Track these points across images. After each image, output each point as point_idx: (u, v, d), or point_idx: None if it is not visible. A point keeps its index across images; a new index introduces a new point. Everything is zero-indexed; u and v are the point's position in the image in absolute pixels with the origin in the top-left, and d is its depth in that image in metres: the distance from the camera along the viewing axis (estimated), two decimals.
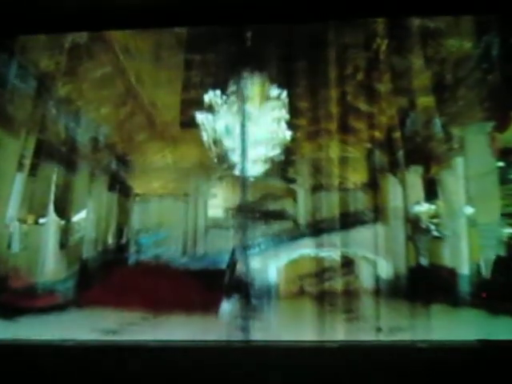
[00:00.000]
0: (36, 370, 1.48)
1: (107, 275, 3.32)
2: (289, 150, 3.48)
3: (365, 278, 3.29)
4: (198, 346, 1.61)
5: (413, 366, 1.43)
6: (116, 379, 1.48)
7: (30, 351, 1.57)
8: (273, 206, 3.53)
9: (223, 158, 3.44)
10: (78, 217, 3.53)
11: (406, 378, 1.42)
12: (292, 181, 3.59)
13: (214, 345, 1.66)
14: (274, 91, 3.46)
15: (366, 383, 1.43)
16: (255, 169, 3.39)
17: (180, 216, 3.52)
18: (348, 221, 3.34)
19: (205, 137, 3.46)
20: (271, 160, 3.44)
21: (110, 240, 3.50)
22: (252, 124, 3.34)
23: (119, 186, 3.61)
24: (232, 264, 3.24)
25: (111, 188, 3.59)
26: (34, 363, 1.50)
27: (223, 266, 3.24)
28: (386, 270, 3.23)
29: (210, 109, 3.42)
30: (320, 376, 1.42)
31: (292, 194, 3.60)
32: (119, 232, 3.53)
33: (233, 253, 3.27)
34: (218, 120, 3.42)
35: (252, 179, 3.37)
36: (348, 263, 3.29)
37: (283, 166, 3.52)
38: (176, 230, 3.48)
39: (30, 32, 2.11)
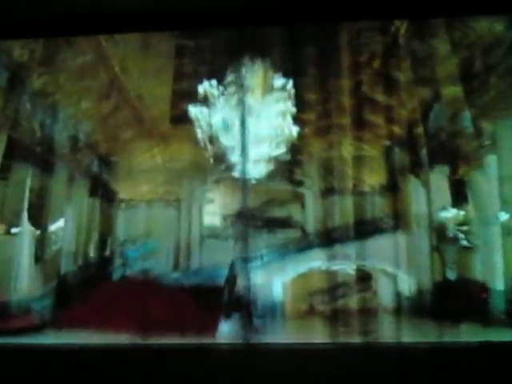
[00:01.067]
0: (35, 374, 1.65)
1: (89, 292, 3.26)
2: (295, 149, 3.48)
3: (384, 294, 3.27)
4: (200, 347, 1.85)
5: (418, 367, 1.59)
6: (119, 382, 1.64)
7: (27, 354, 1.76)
8: (277, 213, 3.54)
9: (220, 157, 3.45)
10: (56, 226, 3.51)
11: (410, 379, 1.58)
12: (299, 183, 3.58)
13: (216, 347, 1.87)
14: (279, 81, 3.48)
15: None
16: (257, 170, 3.40)
17: (171, 224, 3.53)
18: (364, 229, 3.33)
19: (199, 134, 3.48)
20: (275, 160, 3.44)
21: (92, 252, 3.50)
22: (253, 119, 3.35)
23: (102, 191, 3.62)
24: (231, 279, 3.21)
25: (93, 193, 3.59)
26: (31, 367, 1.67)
27: (221, 281, 3.21)
28: (408, 285, 3.21)
29: (205, 101, 3.44)
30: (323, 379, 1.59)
31: (299, 199, 3.59)
32: (102, 243, 3.53)
33: (232, 266, 3.24)
34: (215, 114, 3.45)
35: (253, 182, 3.37)
36: (364, 278, 3.29)
37: (289, 167, 3.53)
38: (167, 241, 3.48)
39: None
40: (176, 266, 3.42)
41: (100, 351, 1.75)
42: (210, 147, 3.43)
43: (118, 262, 3.41)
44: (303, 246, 3.36)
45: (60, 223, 3.52)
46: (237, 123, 3.36)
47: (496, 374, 1.53)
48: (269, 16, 1.90)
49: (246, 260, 3.18)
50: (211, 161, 3.48)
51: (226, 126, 3.39)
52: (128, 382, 1.64)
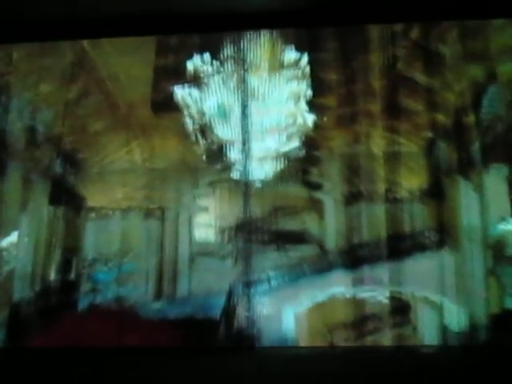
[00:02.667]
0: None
1: (49, 325, 3.26)
2: (311, 143, 3.35)
3: (426, 329, 3.13)
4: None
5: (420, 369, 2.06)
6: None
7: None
8: (288, 224, 3.36)
9: (216, 154, 3.34)
10: (7, 241, 3.46)
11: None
12: (316, 187, 3.39)
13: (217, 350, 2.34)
14: (290, 55, 3.36)
15: None
16: (262, 170, 3.30)
17: (153, 240, 3.38)
18: (400, 246, 3.20)
19: (189, 123, 3.38)
20: (286, 157, 3.32)
21: (53, 275, 3.39)
22: (258, 104, 3.29)
23: (66, 197, 3.51)
24: (229, 310, 3.15)
25: (55, 199, 3.49)
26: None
27: (216, 312, 3.14)
28: (456, 317, 3.10)
29: (196, 82, 3.36)
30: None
31: (316, 207, 3.38)
32: (66, 263, 3.42)
33: (230, 293, 3.17)
34: (208, 98, 3.36)
35: (258, 185, 3.29)
36: (401, 308, 3.14)
37: (303, 166, 3.37)
38: (147, 261, 3.35)
39: None
40: (159, 293, 3.29)
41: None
42: (202, 141, 3.35)
43: (85, 287, 3.34)
44: (322, 266, 3.22)
45: (13, 238, 3.46)
46: (236, 110, 3.29)
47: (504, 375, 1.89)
48: None
49: (248, 285, 3.17)
50: (204, 158, 3.38)
51: (223, 114, 3.29)
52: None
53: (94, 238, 3.42)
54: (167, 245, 3.34)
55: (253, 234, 3.18)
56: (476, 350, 2.43)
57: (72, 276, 3.37)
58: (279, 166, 3.30)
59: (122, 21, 2.97)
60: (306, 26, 3.39)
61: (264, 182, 3.26)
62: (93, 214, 3.44)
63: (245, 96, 3.30)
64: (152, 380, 2.17)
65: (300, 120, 3.32)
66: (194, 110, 3.37)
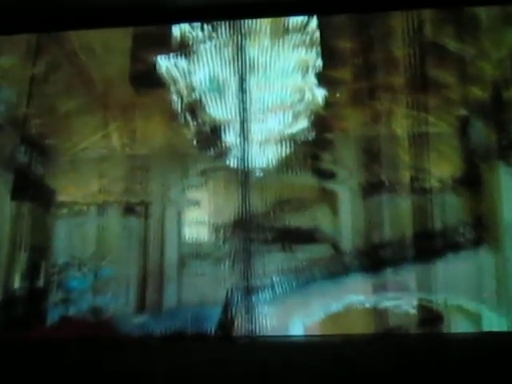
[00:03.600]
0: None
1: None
2: (322, 123, 3.24)
3: None
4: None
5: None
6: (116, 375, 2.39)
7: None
8: (296, 221, 3.25)
9: (208, 138, 3.26)
10: None
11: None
12: (329, 176, 3.28)
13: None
14: (297, 19, 3.23)
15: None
16: (264, 156, 3.20)
17: (135, 240, 3.28)
18: (429, 245, 3.08)
19: (175, 101, 3.29)
20: (292, 140, 3.22)
21: (18, 282, 3.31)
22: (258, 77, 3.19)
23: (32, 191, 3.42)
24: (226, 322, 3.07)
25: (18, 194, 3.39)
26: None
27: (211, 325, 3.05)
28: (497, 328, 2.97)
29: (184, 51, 3.25)
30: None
31: (329, 200, 3.27)
32: (33, 268, 3.34)
33: (227, 302, 3.09)
34: (198, 70, 3.26)
35: (259, 174, 3.21)
36: (431, 319, 3.02)
37: (313, 151, 3.25)
38: (128, 265, 3.26)
39: None
40: (142, 304, 3.19)
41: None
42: (192, 122, 3.23)
43: (56, 296, 3.25)
44: (336, 270, 3.12)
45: None
46: (233, 84, 3.18)
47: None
48: None
49: (248, 292, 3.08)
50: (194, 143, 3.26)
51: (217, 89, 3.19)
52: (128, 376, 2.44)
53: (65, 239, 3.35)
54: (152, 246, 3.25)
55: (253, 232, 3.12)
56: None
57: (40, 283, 3.31)
58: (284, 151, 3.19)
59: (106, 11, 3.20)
60: None
61: (266, 171, 3.19)
62: (64, 211, 3.37)
63: (242, 67, 3.19)
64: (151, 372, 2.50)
65: (308, 96, 3.20)
66: (181, 85, 3.27)
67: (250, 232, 3.08)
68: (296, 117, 3.22)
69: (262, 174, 3.15)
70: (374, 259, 3.08)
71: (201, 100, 3.25)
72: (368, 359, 2.43)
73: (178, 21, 3.21)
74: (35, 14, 3.14)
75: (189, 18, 3.20)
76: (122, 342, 2.98)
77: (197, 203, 3.32)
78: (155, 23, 3.29)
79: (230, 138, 3.18)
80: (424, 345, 2.64)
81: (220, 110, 3.23)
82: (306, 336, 3.00)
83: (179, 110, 3.27)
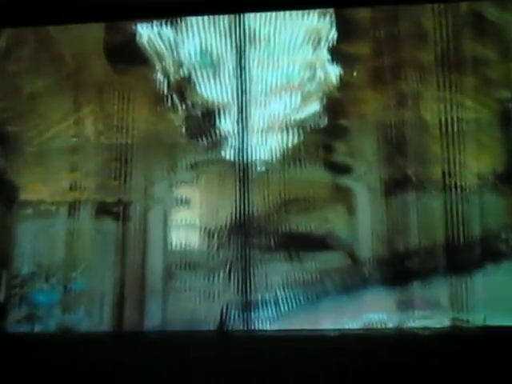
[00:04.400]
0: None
1: None
2: (337, 107, 3.10)
3: None
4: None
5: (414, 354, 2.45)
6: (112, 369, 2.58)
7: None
8: (304, 224, 3.11)
9: (200, 124, 3.13)
10: None
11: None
12: (344, 170, 3.14)
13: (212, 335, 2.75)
14: None
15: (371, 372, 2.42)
16: (267, 147, 3.07)
17: (111, 247, 3.16)
18: (465, 254, 2.94)
19: (160, 80, 3.17)
20: (300, 127, 3.08)
21: None
22: (259, 51, 3.06)
23: None
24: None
25: None
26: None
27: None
28: None
29: (169, 16, 3.10)
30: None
31: (344, 199, 3.12)
32: None
33: (222, 321, 2.98)
34: (187, 42, 3.13)
35: (261, 169, 3.08)
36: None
37: (326, 141, 3.11)
38: (104, 277, 3.13)
39: None
40: (119, 323, 3.06)
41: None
42: (180, 105, 3.09)
43: (18, 312, 3.13)
44: (353, 283, 2.97)
45: None
46: (229, 59, 3.05)
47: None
48: None
49: (247, 308, 2.96)
50: (183, 130, 3.13)
51: (210, 65, 3.06)
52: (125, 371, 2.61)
53: (30, 244, 3.22)
54: (132, 254, 3.10)
55: (254, 237, 2.99)
56: None
57: (0, 296, 3.16)
58: (290, 140, 3.04)
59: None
60: None
61: (269, 164, 3.06)
62: (29, 211, 3.22)
63: (241, 39, 3.07)
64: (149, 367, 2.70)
65: (320, 74, 3.05)
66: (167, 60, 3.13)
67: (250, 237, 2.95)
68: (305, 99, 3.07)
69: (264, 168, 3.02)
70: (399, 270, 2.94)
71: (191, 78, 3.12)
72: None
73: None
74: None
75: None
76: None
77: (186, 202, 3.17)
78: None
79: (226, 124, 3.03)
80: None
81: (214, 90, 3.10)
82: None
83: (165, 90, 3.15)
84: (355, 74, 3.08)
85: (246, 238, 2.93)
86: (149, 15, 3.14)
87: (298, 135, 3.07)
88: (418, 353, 2.53)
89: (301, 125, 3.06)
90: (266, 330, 2.86)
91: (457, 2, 3.03)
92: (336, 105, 3.10)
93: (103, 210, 3.18)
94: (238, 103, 3.01)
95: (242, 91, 3.00)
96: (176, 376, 2.65)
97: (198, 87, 3.13)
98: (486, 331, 2.68)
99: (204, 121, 3.10)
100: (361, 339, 2.63)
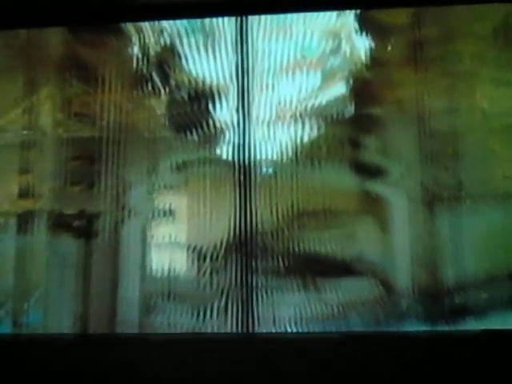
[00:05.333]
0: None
1: None
2: (366, 91, 2.90)
3: None
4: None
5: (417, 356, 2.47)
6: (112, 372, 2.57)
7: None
8: (324, 242, 2.86)
9: (188, 112, 2.94)
10: None
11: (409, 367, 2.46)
12: (375, 173, 2.90)
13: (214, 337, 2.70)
14: None
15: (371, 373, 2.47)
16: (276, 142, 2.89)
17: (72, 271, 2.91)
18: None
19: (137, 54, 3.00)
20: (319, 117, 2.87)
21: None
22: (266, 16, 2.90)
23: None
24: None
25: None
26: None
27: None
28: None
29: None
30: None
31: (375, 210, 2.90)
32: None
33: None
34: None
35: (267, 170, 2.92)
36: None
37: (351, 134, 2.90)
38: (62, 309, 2.90)
39: None
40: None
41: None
42: (162, 87, 2.89)
43: None
44: (386, 319, 2.76)
45: None
46: (226, 25, 2.92)
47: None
48: None
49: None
50: (166, 120, 2.91)
51: (201, 32, 2.90)
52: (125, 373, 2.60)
53: None
54: (99, 281, 2.87)
55: (257, 259, 2.75)
56: None
57: None
58: (306, 134, 2.82)
59: None
60: None
61: (277, 165, 2.83)
62: None
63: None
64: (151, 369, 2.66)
65: (345, 48, 2.84)
66: (145, 27, 2.93)
67: (253, 259, 2.72)
68: (325, 80, 2.86)
69: (270, 170, 2.81)
70: (445, 305, 2.70)
71: (175, 50, 2.90)
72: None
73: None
74: None
75: None
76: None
77: (171, 214, 2.93)
78: None
79: (222, 112, 2.84)
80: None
81: (206, 66, 2.89)
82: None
83: (143, 68, 2.94)
84: (389, 48, 2.87)
85: (248, 260, 2.72)
86: (149, 16, 2.99)
87: (316, 127, 2.83)
88: (419, 353, 2.51)
89: (319, 113, 2.83)
90: None
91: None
92: (365, 88, 2.87)
93: (62, 223, 2.93)
94: (237, 84, 2.82)
95: (242, 69, 2.81)
96: None
97: (184, 62, 2.91)
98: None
99: (193, 108, 2.88)
100: (363, 341, 2.58)
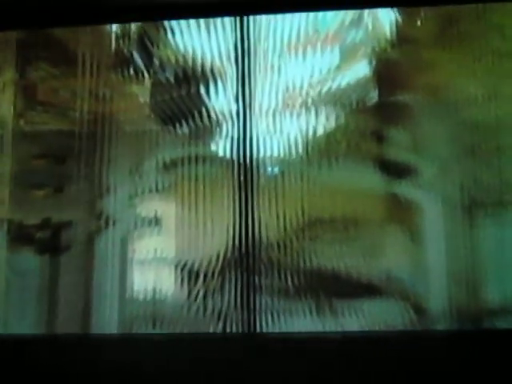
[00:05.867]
0: None
1: None
2: (393, 74, 2.69)
3: None
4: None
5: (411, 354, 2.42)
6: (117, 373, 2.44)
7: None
8: (341, 257, 2.62)
9: (177, 100, 2.74)
10: None
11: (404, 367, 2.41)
12: (404, 173, 2.67)
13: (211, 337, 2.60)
14: None
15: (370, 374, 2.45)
16: (282, 136, 2.67)
17: (35, 293, 2.69)
18: None
19: (115, 30, 2.85)
20: (336, 104, 2.66)
21: None
22: None
23: None
24: None
25: None
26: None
27: None
28: None
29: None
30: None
31: (405, 218, 2.67)
32: None
33: None
34: None
35: (273, 171, 2.72)
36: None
37: (375, 126, 2.65)
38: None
39: None
40: None
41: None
42: (146, 69, 2.69)
43: None
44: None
45: None
46: None
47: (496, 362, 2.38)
48: None
49: None
50: (151, 113, 2.71)
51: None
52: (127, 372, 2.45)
53: None
54: (68, 305, 2.62)
55: (261, 276, 2.54)
56: None
57: None
58: (320, 125, 2.59)
59: None
60: None
61: (285, 164, 2.62)
62: None
63: None
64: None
65: (368, 21, 2.63)
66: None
67: (255, 276, 2.52)
68: (344, 60, 2.66)
69: (276, 170, 2.61)
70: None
71: (161, 25, 2.76)
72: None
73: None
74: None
75: None
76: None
77: (157, 223, 2.71)
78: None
79: (219, 101, 2.65)
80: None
81: (197, 41, 2.70)
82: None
83: (123, 47, 2.75)
84: (419, 22, 2.68)
85: (250, 278, 2.52)
86: (149, 16, 2.85)
87: (332, 117, 2.63)
88: (419, 353, 2.46)
89: (336, 101, 2.64)
90: None
91: None
92: (391, 70, 2.67)
93: (22, 235, 2.71)
94: (236, 66, 2.64)
95: (242, 47, 2.62)
96: None
97: (170, 36, 2.74)
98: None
99: (184, 95, 2.69)
100: (363, 341, 2.54)
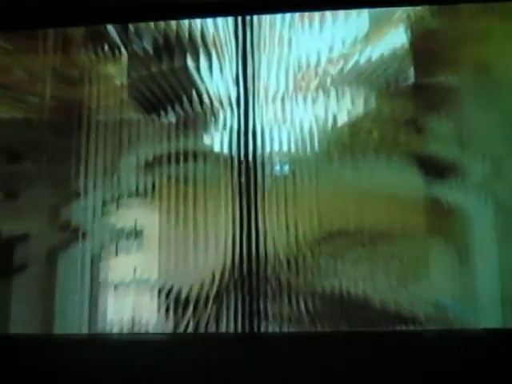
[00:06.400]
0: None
1: None
2: (431, 49, 2.38)
3: None
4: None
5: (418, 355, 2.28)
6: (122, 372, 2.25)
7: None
8: (368, 278, 2.37)
9: (163, 84, 2.51)
10: None
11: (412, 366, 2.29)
12: (447, 173, 2.36)
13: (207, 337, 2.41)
14: None
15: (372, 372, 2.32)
16: (291, 127, 2.39)
17: None
18: None
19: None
20: (361, 87, 2.40)
21: None
22: None
23: None
24: None
25: None
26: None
27: None
28: None
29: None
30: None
31: (449, 229, 2.38)
32: None
33: None
34: None
35: (281, 171, 2.44)
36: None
37: (409, 114, 2.37)
38: None
39: None
40: None
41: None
42: (123, 45, 2.47)
43: None
44: None
45: None
46: None
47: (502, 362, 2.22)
48: None
49: None
50: (130, 98, 2.46)
51: None
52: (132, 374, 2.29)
53: None
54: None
55: (267, 300, 2.26)
56: None
57: None
58: (340, 114, 2.32)
59: None
60: None
61: (296, 162, 2.34)
62: None
63: None
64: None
65: None
66: None
67: (260, 301, 2.24)
68: (375, 27, 2.37)
69: (286, 169, 2.33)
70: None
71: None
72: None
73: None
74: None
75: None
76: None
77: (137, 237, 2.42)
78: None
79: (214, 82, 2.40)
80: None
81: (188, 16, 2.49)
82: None
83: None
84: None
85: (253, 302, 2.25)
86: (149, 16, 2.70)
87: (356, 103, 2.37)
88: (419, 353, 2.37)
89: (363, 82, 2.37)
90: None
91: None
92: (431, 44, 2.38)
93: None
94: (236, 40, 2.38)
95: (243, 16, 2.38)
96: None
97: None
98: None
99: (171, 76, 2.43)
100: (364, 341, 2.44)
